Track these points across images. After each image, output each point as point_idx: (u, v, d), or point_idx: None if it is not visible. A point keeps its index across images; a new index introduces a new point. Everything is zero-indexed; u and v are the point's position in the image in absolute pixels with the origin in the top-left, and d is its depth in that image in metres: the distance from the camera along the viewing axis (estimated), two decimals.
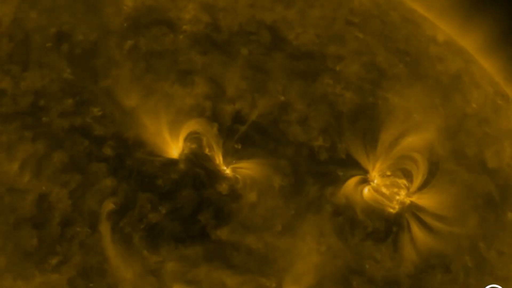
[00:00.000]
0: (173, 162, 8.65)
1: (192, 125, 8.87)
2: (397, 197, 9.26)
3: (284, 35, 10.05)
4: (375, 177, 9.29)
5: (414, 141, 9.70)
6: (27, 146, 8.49)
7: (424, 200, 9.37)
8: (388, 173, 9.36)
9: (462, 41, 12.17)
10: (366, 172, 9.27)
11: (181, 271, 8.11)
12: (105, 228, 8.12)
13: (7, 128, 8.60)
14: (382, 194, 9.22)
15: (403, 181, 9.38)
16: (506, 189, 10.32)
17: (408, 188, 9.34)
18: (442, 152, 9.93)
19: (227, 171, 8.74)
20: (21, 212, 8.16)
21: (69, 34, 9.34)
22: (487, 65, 12.14)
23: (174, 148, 8.73)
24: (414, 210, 9.28)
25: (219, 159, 8.77)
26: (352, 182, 9.12)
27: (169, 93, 9.03)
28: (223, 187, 8.60)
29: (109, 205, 8.23)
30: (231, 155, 8.84)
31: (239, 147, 8.90)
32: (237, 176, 8.70)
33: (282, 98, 9.41)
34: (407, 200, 9.28)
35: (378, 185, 9.26)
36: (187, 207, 8.42)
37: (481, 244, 9.51)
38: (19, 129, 8.59)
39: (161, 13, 9.79)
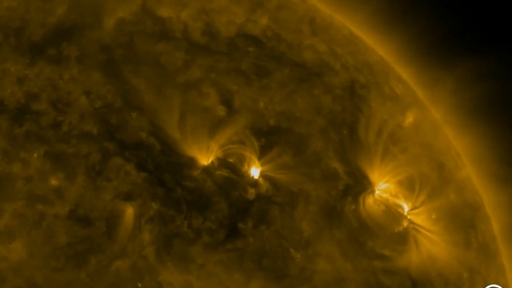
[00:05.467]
0: (202, 169, 8.42)
1: (216, 133, 8.62)
2: (400, 211, 9.57)
3: (280, 44, 10.09)
4: (379, 191, 9.50)
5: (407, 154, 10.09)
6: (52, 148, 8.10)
7: (422, 216, 9.71)
8: (390, 189, 9.65)
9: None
10: (371, 185, 9.37)
11: (219, 275, 8.09)
12: (145, 233, 8.00)
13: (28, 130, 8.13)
14: (386, 206, 9.48)
15: (402, 199, 9.70)
16: (476, 209, 10.99)
17: (408, 205, 9.65)
18: (429, 170, 10.39)
19: (254, 178, 8.61)
20: (57, 219, 7.88)
21: (71, 35, 8.84)
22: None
23: (201, 155, 8.47)
24: (414, 226, 9.57)
25: (245, 166, 8.63)
26: (358, 195, 9.21)
27: (185, 100, 8.82)
28: (251, 193, 8.45)
29: (147, 210, 8.03)
30: (254, 162, 8.72)
31: (262, 155, 8.85)
32: (263, 183, 8.60)
33: (287, 106, 9.45)
34: (408, 216, 9.59)
35: (382, 198, 9.50)
36: (220, 213, 8.23)
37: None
38: (41, 129, 8.15)
39: (160, 17, 9.52)
